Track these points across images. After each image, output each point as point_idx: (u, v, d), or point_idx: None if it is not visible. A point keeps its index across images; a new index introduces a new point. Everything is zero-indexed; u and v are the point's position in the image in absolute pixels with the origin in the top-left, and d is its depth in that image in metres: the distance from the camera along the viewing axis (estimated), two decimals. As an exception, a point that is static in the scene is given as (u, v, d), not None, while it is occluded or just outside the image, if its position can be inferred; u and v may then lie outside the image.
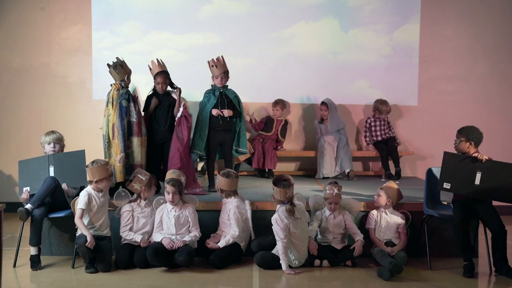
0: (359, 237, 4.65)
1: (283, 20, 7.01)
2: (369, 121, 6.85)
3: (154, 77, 5.41)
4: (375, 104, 6.86)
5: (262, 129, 6.79)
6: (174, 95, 5.42)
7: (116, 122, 5.07)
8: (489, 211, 4.40)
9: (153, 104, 5.41)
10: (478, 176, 4.32)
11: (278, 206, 4.51)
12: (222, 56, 5.47)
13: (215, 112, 5.43)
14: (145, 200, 4.68)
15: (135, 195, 4.68)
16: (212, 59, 5.43)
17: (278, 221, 4.42)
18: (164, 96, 5.43)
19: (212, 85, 5.57)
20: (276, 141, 6.83)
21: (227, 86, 5.57)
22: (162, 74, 5.38)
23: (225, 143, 5.56)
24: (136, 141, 5.18)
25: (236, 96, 5.60)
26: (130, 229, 4.60)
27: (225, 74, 5.47)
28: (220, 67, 5.43)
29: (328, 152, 6.62)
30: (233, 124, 5.61)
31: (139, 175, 4.63)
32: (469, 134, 4.53)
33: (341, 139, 6.65)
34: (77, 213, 4.41)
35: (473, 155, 4.44)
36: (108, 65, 5.19)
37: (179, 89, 5.39)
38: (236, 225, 4.62)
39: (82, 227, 4.37)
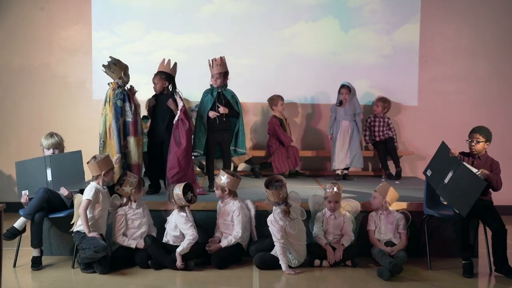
0: (344, 241, 4.65)
1: (283, 20, 7.02)
2: (369, 120, 6.84)
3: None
4: (375, 102, 6.86)
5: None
6: (177, 98, 5.40)
7: (112, 122, 5.06)
8: (489, 210, 4.41)
9: (149, 103, 5.44)
10: (449, 175, 4.34)
11: (274, 207, 4.50)
12: (222, 57, 5.46)
13: (211, 114, 5.44)
14: (135, 202, 4.66)
15: (124, 199, 4.65)
16: (212, 59, 5.44)
17: (273, 223, 4.42)
18: (163, 97, 5.42)
19: (211, 85, 5.58)
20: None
21: (226, 86, 5.57)
22: (157, 75, 5.39)
23: (223, 143, 5.57)
24: (132, 140, 5.16)
25: (234, 96, 5.60)
26: (124, 234, 4.59)
27: (221, 75, 5.46)
28: (216, 68, 5.43)
29: (339, 140, 6.47)
30: (231, 124, 5.62)
31: (129, 178, 4.61)
32: (488, 135, 4.57)
33: (355, 128, 6.50)
34: (83, 204, 4.36)
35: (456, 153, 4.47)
36: (103, 65, 5.17)
37: (175, 96, 5.38)
38: (240, 226, 4.61)
39: (84, 220, 4.34)
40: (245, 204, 4.78)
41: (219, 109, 5.42)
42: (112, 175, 4.65)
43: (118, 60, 5.19)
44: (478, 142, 4.56)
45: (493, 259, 4.41)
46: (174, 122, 5.26)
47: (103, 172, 4.49)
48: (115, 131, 5.05)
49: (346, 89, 6.46)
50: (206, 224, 4.83)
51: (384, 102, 6.81)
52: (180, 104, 5.30)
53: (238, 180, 4.74)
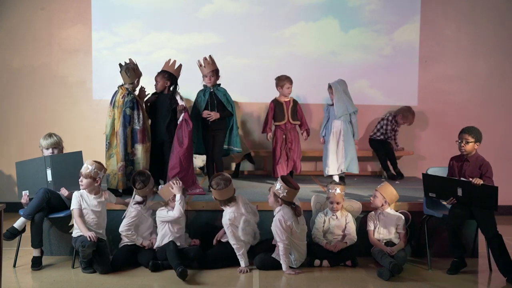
0: (348, 240, 4.65)
1: (283, 20, 7.02)
2: (390, 118, 6.73)
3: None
4: (405, 109, 6.79)
5: (275, 119, 6.04)
6: (178, 98, 5.40)
7: (119, 130, 5.06)
8: (485, 216, 4.33)
9: (149, 99, 5.45)
10: (460, 190, 4.37)
11: (281, 207, 4.48)
12: (210, 56, 5.53)
13: (204, 114, 5.51)
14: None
15: (138, 198, 4.67)
16: (203, 58, 5.50)
17: (282, 223, 4.40)
18: (164, 96, 5.42)
19: (203, 85, 5.61)
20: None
21: (219, 85, 5.61)
22: (160, 73, 5.44)
23: (215, 142, 5.60)
24: (140, 148, 5.16)
25: (225, 95, 5.62)
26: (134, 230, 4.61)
27: (214, 72, 5.53)
28: (208, 66, 5.50)
29: (332, 142, 5.93)
30: (225, 123, 5.65)
31: (151, 179, 4.71)
32: (478, 135, 4.51)
33: (348, 129, 5.92)
34: (74, 213, 4.41)
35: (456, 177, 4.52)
36: (120, 65, 5.17)
37: (175, 96, 5.41)
38: (233, 239, 4.46)
39: (81, 226, 4.36)
40: (241, 209, 4.61)
41: (210, 115, 5.48)
42: (87, 183, 4.48)
43: (137, 66, 5.21)
44: (467, 142, 4.52)
45: (499, 267, 4.30)
46: (178, 122, 5.27)
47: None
48: (121, 139, 5.06)
49: (329, 89, 6.00)
50: (206, 224, 4.82)
51: (413, 116, 6.78)
52: (181, 103, 5.31)
53: (220, 191, 4.52)
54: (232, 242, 4.45)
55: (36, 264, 4.50)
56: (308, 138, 6.17)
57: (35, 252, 4.53)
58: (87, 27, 6.92)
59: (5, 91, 6.90)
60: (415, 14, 7.04)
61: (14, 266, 4.56)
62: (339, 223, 4.71)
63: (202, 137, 5.65)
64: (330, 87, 6.04)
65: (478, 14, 7.05)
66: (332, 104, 6.05)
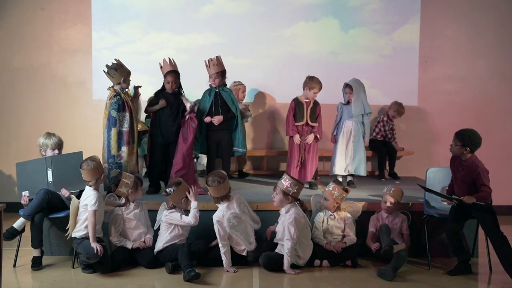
0: (347, 240, 4.66)
1: (283, 20, 7.02)
2: (385, 118, 6.81)
3: (165, 76, 5.35)
4: (393, 104, 6.81)
5: (294, 119, 5.75)
6: (183, 99, 5.39)
7: (104, 132, 5.05)
8: (486, 220, 4.30)
9: (160, 105, 5.31)
10: (455, 201, 4.40)
11: (290, 205, 4.48)
12: (218, 56, 5.49)
13: (206, 120, 5.50)
14: (133, 202, 4.65)
15: (122, 199, 4.63)
16: (209, 59, 5.47)
17: (297, 221, 4.41)
18: (174, 97, 5.37)
19: (210, 85, 5.60)
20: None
21: (225, 85, 5.60)
22: (172, 73, 5.33)
23: (221, 142, 5.60)
24: (126, 150, 5.09)
25: (230, 96, 5.62)
26: (120, 234, 4.59)
27: (219, 74, 5.50)
28: (213, 67, 5.47)
29: (341, 142, 5.92)
30: (230, 123, 5.65)
31: (123, 179, 4.59)
32: (465, 139, 4.39)
33: (360, 130, 5.92)
34: (91, 215, 4.34)
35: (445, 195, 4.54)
36: (107, 66, 5.11)
37: (193, 105, 5.43)
38: (218, 236, 4.48)
39: (93, 232, 4.32)
40: (233, 207, 4.60)
41: (213, 120, 5.48)
42: (105, 178, 4.67)
43: (121, 65, 5.10)
44: (455, 145, 4.46)
45: (505, 268, 4.25)
46: (186, 119, 5.27)
47: (101, 175, 4.50)
48: (105, 140, 5.05)
49: (349, 89, 5.93)
50: (206, 224, 4.82)
51: (403, 109, 6.79)
52: (188, 105, 5.31)
53: (214, 188, 4.55)
54: (218, 239, 4.47)
55: (36, 264, 4.50)
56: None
57: (35, 252, 4.53)
58: (87, 27, 6.91)
59: (5, 91, 6.89)
60: (415, 14, 7.04)
61: (14, 266, 4.56)
62: (338, 223, 4.71)
63: (206, 137, 5.62)
64: (347, 86, 5.97)
65: (478, 14, 7.05)
66: (347, 103, 6.01)
